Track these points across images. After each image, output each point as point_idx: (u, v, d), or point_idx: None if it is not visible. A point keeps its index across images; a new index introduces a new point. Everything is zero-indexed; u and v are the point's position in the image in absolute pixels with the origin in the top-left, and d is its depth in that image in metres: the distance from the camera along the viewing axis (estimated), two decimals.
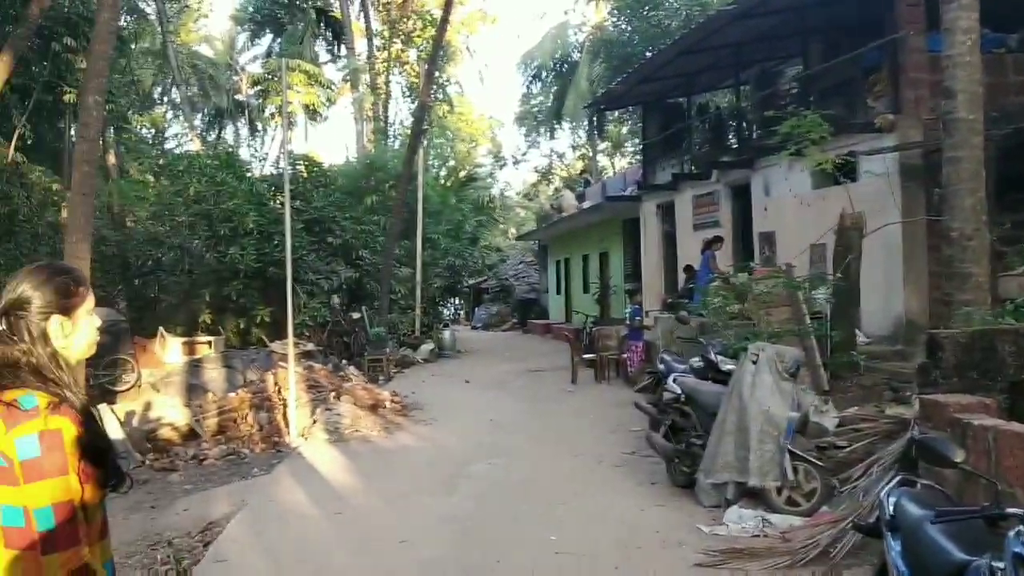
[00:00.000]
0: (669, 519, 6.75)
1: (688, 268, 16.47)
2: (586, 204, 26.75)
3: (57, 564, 1.93)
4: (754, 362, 7.04)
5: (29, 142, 21.51)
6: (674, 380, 8.32)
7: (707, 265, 14.70)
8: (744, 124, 18.04)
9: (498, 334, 33.87)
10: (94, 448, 2.06)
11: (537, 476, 8.57)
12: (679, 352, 10.87)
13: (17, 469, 1.94)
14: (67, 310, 2.14)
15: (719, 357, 8.60)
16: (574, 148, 47.95)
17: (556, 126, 42.44)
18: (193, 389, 12.93)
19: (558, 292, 32.90)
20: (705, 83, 20.37)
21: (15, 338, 2.08)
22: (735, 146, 17.99)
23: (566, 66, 38.31)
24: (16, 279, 2.15)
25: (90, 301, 2.21)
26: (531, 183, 51.99)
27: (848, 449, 6.90)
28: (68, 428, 1.99)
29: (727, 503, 6.86)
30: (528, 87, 43.49)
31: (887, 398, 8.38)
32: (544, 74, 40.73)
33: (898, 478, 3.95)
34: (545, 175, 50.26)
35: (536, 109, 44.59)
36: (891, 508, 3.52)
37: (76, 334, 2.16)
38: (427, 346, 22.28)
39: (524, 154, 51.54)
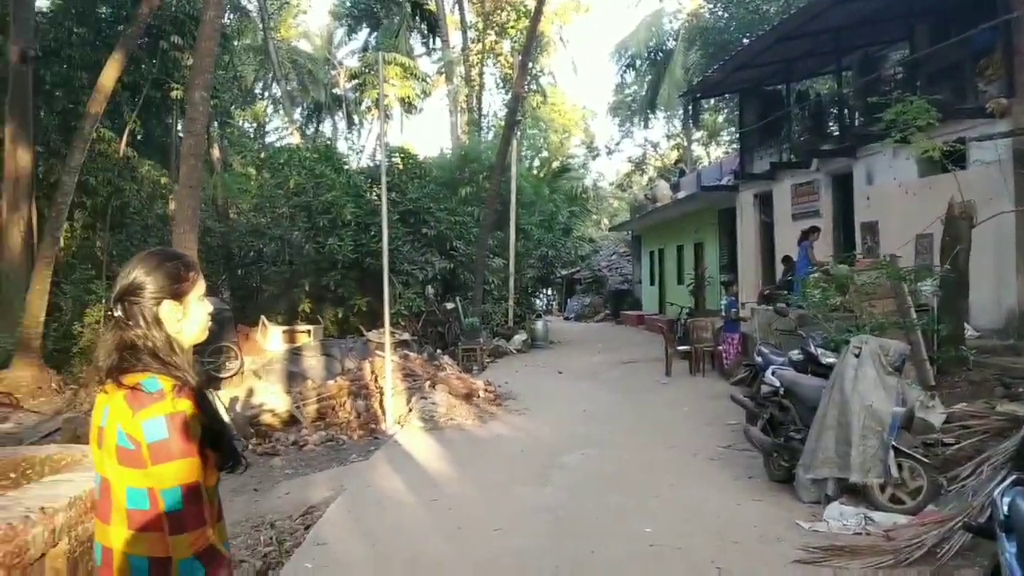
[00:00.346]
0: (767, 514, 6.61)
1: (787, 259, 16.09)
2: (681, 194, 26.40)
3: (186, 544, 1.98)
4: (856, 355, 6.83)
5: (139, 137, 22.39)
6: (772, 373, 8.15)
7: (805, 256, 14.35)
8: (846, 111, 17.50)
9: (590, 325, 33.74)
10: (211, 430, 2.12)
11: (631, 468, 8.51)
12: (777, 344, 10.64)
13: (145, 451, 1.99)
14: (178, 295, 2.18)
15: (820, 350, 8.39)
16: (668, 137, 47.38)
17: (650, 115, 41.99)
18: (293, 376, 13.24)
19: (651, 283, 32.58)
20: (805, 69, 19.84)
21: (131, 323, 2.14)
22: (836, 134, 17.46)
23: (660, 54, 37.86)
24: (129, 266, 2.20)
25: (200, 286, 2.25)
26: (624, 173, 51.59)
27: (956, 447, 6.66)
28: (190, 411, 2.04)
29: (827, 499, 6.68)
30: (622, 76, 43.18)
31: (998, 394, 8.04)
32: (638, 63, 40.35)
33: (1012, 478, 3.77)
34: (639, 165, 49.79)
35: (630, 99, 44.21)
36: (1006, 509, 3.37)
37: (187, 319, 2.20)
38: (520, 336, 22.36)
39: (617, 144, 51.17)
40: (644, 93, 40.55)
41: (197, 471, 2.02)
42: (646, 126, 45.02)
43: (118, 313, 2.16)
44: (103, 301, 15.71)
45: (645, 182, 45.45)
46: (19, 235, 17.26)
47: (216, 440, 2.13)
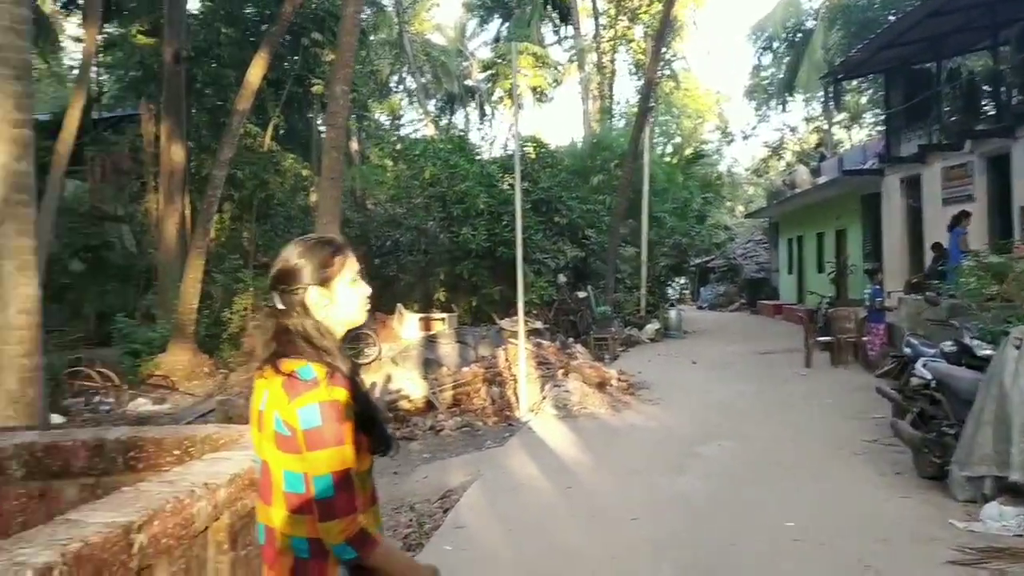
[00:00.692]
0: (917, 512, 6.31)
1: (937, 246, 15.26)
2: (821, 179, 25.43)
3: (336, 531, 2.01)
4: (1017, 347, 6.41)
5: (282, 132, 23.31)
6: (923, 365, 7.75)
7: (956, 242, 13.58)
8: (1003, 89, 16.44)
9: (725, 314, 33.06)
10: (363, 416, 2.13)
11: (770, 460, 8.28)
12: (926, 336, 10.12)
13: (300, 438, 2.02)
14: (324, 281, 2.18)
15: (975, 342, 7.91)
16: (807, 121, 45.77)
17: (788, 98, 40.67)
18: (428, 363, 13.50)
19: (790, 271, 31.59)
20: (956, 46, 18.72)
21: (285, 310, 2.18)
22: (992, 113, 16.44)
23: (799, 35, 36.59)
24: (281, 254, 2.24)
25: (349, 270, 2.23)
26: (761, 159, 50.18)
27: None
28: (343, 399, 2.05)
29: (984, 499, 6.31)
30: (758, 59, 41.98)
31: None
32: (775, 44, 39.13)
33: None
34: (776, 150, 48.32)
35: (767, 81, 42.94)
36: None
37: (335, 304, 2.20)
38: (652, 326, 22.11)
39: (753, 129, 50.06)
40: (782, 75, 39.30)
41: (349, 458, 2.04)
42: (784, 109, 43.67)
43: (274, 301, 2.21)
44: (250, 289, 16.48)
45: (783, 167, 44.10)
46: (174, 227, 18.28)
47: (368, 425, 2.16)
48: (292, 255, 2.21)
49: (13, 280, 6.77)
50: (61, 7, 24.29)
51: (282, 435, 2.07)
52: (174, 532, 2.56)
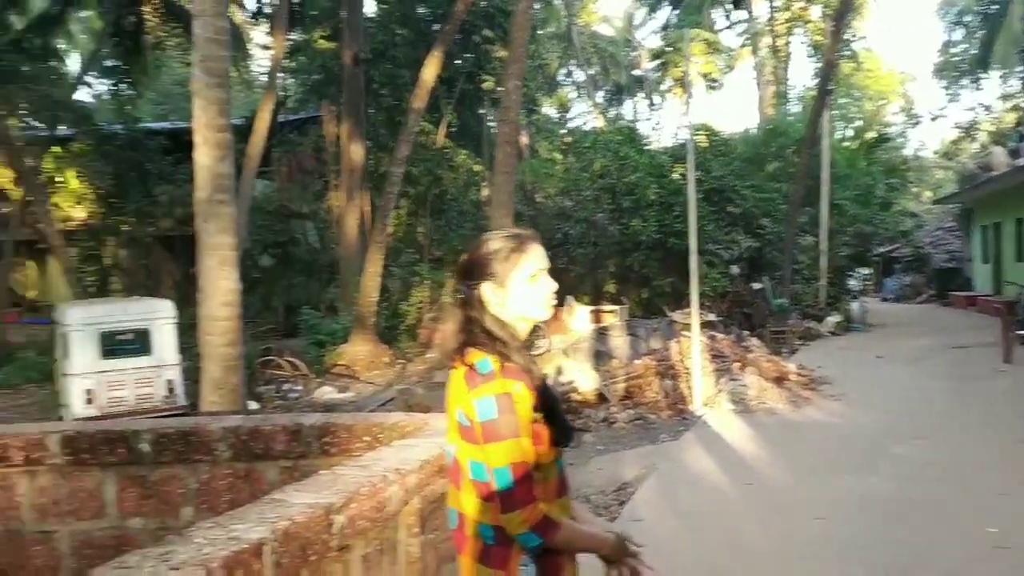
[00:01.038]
0: None
1: None
2: (1022, 161, 23.62)
3: (518, 521, 2.04)
4: None
5: (454, 128, 23.89)
6: None
7: None
8: None
9: (912, 307, 31.25)
10: (545, 408, 2.14)
11: (968, 461, 7.76)
12: None
13: (478, 430, 2.07)
14: (498, 277, 2.19)
15: None
16: (1004, 99, 42.49)
17: (982, 75, 37.94)
18: (599, 355, 13.46)
19: (985, 260, 29.46)
20: None
21: (469, 302, 2.22)
22: None
23: (995, 6, 34.02)
24: (469, 248, 2.31)
25: (527, 267, 2.22)
26: (951, 141, 47.04)
27: None
28: (519, 391, 2.06)
29: None
30: (948, 35, 39.43)
31: None
32: (967, 19, 36.59)
33: None
34: (968, 131, 45.14)
35: (958, 58, 40.24)
36: None
37: (510, 300, 2.20)
38: (833, 318, 21.16)
39: (942, 109, 46.91)
40: (975, 51, 36.71)
41: (528, 450, 2.05)
42: (977, 87, 40.75)
43: (461, 294, 2.26)
44: (426, 283, 17.01)
45: (976, 149, 41.17)
46: (354, 223, 19.12)
47: (550, 417, 2.16)
48: (474, 249, 2.26)
49: (215, 274, 7.28)
50: (250, 17, 25.81)
51: (463, 425, 2.12)
52: (369, 514, 2.67)
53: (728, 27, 41.45)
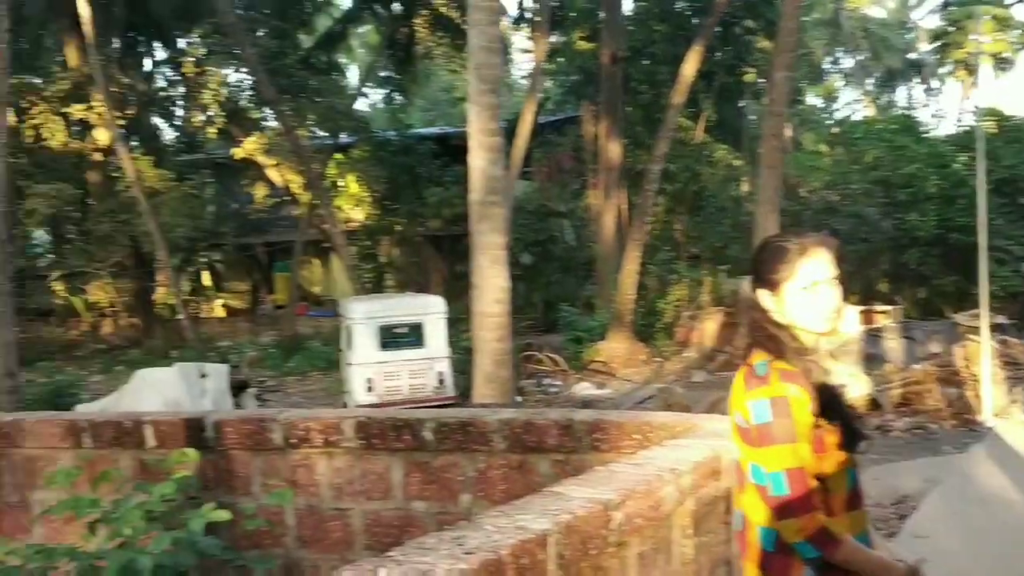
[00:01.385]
0: None
1: None
2: None
3: (793, 529, 1.99)
4: None
5: (712, 123, 23.44)
6: None
7: None
8: None
9: None
10: (831, 413, 2.07)
11: None
12: None
13: (753, 432, 2.04)
14: (771, 284, 2.12)
15: None
16: None
17: None
18: (871, 359, 12.79)
19: None
20: None
21: (753, 305, 2.19)
22: None
23: None
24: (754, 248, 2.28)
25: (803, 276, 2.10)
26: None
27: None
28: (796, 395, 2.00)
29: None
30: None
31: None
32: None
33: None
34: None
35: None
36: None
37: (786, 309, 2.11)
38: None
39: None
40: None
41: (805, 457, 1.99)
42: None
43: (754, 295, 2.22)
44: (683, 280, 16.85)
45: None
46: (612, 221, 19.29)
47: (835, 421, 2.08)
48: (756, 252, 2.25)
49: (487, 272, 7.62)
50: (512, 22, 26.71)
51: (741, 427, 2.10)
52: (645, 513, 2.66)
53: (1020, 0, 37.66)
